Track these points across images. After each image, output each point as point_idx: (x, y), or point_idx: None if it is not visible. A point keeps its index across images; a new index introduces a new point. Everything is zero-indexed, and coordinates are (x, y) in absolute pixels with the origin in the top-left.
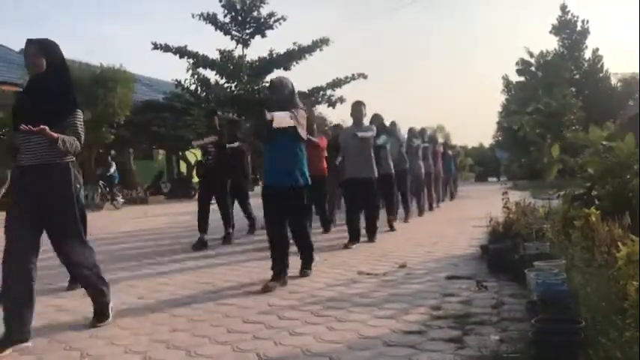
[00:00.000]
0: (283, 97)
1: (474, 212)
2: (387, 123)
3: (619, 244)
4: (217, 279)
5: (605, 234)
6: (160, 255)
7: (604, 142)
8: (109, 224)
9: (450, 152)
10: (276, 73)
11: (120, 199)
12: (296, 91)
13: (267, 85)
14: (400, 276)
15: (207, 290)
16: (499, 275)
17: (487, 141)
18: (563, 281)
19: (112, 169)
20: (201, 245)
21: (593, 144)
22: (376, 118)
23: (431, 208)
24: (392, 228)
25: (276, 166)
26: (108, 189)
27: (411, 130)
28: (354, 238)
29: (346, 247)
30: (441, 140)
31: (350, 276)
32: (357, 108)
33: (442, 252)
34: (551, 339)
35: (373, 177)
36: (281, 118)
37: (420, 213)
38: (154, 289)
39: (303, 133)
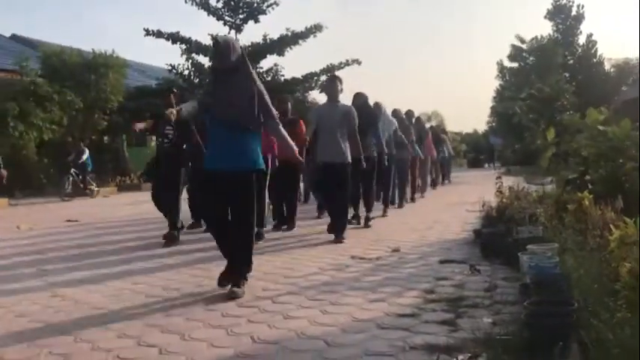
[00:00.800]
0: (230, 64)
1: (468, 197)
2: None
3: (611, 227)
4: (212, 265)
5: (597, 217)
6: (148, 243)
7: (599, 127)
8: (99, 211)
9: (443, 137)
10: (270, 59)
11: (94, 188)
12: (246, 57)
13: (212, 46)
14: (394, 260)
15: (201, 275)
16: (492, 259)
17: (482, 127)
18: (555, 264)
19: (85, 155)
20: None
21: (589, 128)
22: (358, 98)
23: (412, 198)
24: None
25: (219, 149)
26: (81, 177)
27: (395, 113)
28: (353, 216)
29: (330, 233)
30: (431, 124)
31: (344, 260)
32: (331, 84)
33: (435, 236)
34: (544, 321)
35: (347, 162)
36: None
37: (400, 205)
38: (148, 275)
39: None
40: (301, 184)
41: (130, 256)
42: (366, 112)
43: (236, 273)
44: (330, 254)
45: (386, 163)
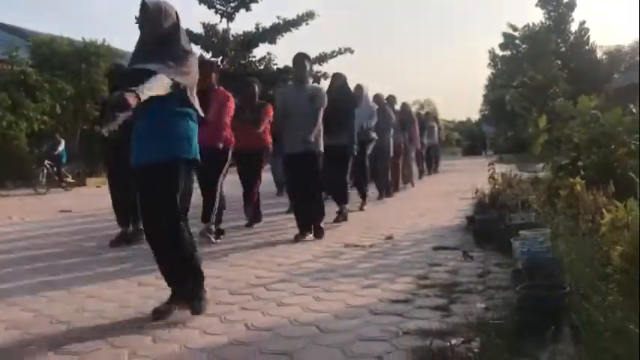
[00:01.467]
0: (161, 30)
1: (461, 185)
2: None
3: (603, 211)
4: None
5: (589, 202)
6: None
7: (593, 111)
8: (91, 202)
9: (432, 124)
10: (262, 48)
11: (69, 180)
12: (183, 28)
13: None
14: (387, 247)
15: None
16: (485, 245)
17: (475, 115)
18: (547, 249)
19: (61, 147)
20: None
21: (581, 114)
22: (336, 79)
23: (396, 188)
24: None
25: (141, 140)
26: (55, 169)
27: (376, 98)
28: (304, 227)
29: (297, 240)
30: (419, 111)
31: (337, 248)
32: (299, 62)
33: (429, 224)
34: (536, 305)
35: (317, 150)
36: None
37: (380, 196)
38: (138, 262)
39: (191, 97)
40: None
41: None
42: (345, 94)
43: (185, 296)
44: (323, 242)
45: (368, 151)
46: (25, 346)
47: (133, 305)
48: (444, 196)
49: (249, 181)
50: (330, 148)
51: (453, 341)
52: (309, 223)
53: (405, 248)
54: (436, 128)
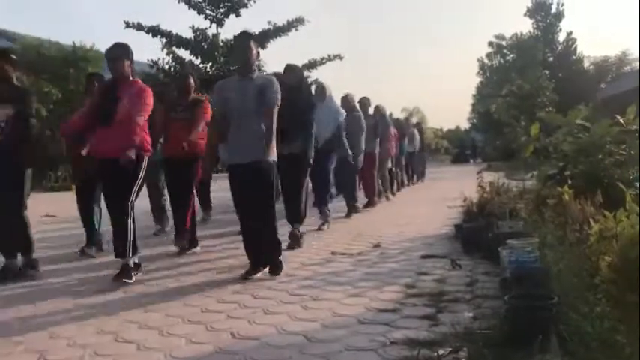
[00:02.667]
0: None
1: (449, 193)
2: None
3: (591, 221)
4: (191, 260)
5: (577, 212)
6: None
7: (579, 122)
8: None
9: (412, 130)
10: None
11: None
12: None
13: None
14: (375, 255)
15: (181, 272)
16: (473, 254)
17: (464, 123)
18: (535, 258)
19: None
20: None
21: (569, 124)
22: (290, 72)
23: (371, 203)
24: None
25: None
26: None
27: (345, 100)
28: (256, 263)
29: (245, 278)
30: (398, 117)
31: (324, 256)
32: (242, 45)
33: (416, 232)
34: (524, 315)
35: (268, 161)
36: None
37: (349, 213)
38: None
39: None
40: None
41: (108, 250)
42: (301, 93)
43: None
44: (311, 250)
45: (332, 164)
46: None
47: (118, 312)
48: (432, 204)
49: (179, 198)
50: (283, 158)
51: (441, 351)
52: (262, 257)
53: (393, 256)
54: (417, 135)
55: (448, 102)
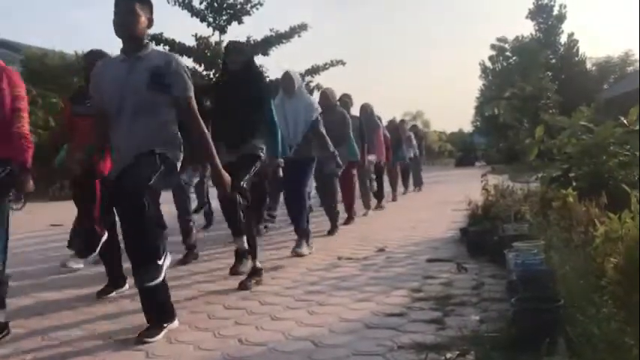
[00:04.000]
0: None
1: (453, 196)
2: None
3: (596, 222)
4: (198, 267)
5: (582, 214)
6: None
7: (583, 123)
8: None
9: (409, 134)
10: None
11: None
12: None
13: None
14: (381, 260)
15: (187, 279)
16: (479, 257)
17: (467, 126)
18: (541, 261)
19: None
20: None
21: (573, 125)
22: (234, 52)
23: (348, 218)
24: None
25: None
26: None
27: (323, 95)
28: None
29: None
30: (394, 119)
31: (330, 261)
32: (123, 10)
33: (422, 235)
34: (531, 318)
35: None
36: None
37: (332, 230)
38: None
39: None
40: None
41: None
42: (250, 81)
43: None
44: (317, 255)
45: (307, 179)
46: None
47: (125, 320)
48: (437, 208)
49: (84, 209)
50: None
51: (448, 355)
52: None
53: (398, 260)
54: (414, 139)
55: (451, 105)
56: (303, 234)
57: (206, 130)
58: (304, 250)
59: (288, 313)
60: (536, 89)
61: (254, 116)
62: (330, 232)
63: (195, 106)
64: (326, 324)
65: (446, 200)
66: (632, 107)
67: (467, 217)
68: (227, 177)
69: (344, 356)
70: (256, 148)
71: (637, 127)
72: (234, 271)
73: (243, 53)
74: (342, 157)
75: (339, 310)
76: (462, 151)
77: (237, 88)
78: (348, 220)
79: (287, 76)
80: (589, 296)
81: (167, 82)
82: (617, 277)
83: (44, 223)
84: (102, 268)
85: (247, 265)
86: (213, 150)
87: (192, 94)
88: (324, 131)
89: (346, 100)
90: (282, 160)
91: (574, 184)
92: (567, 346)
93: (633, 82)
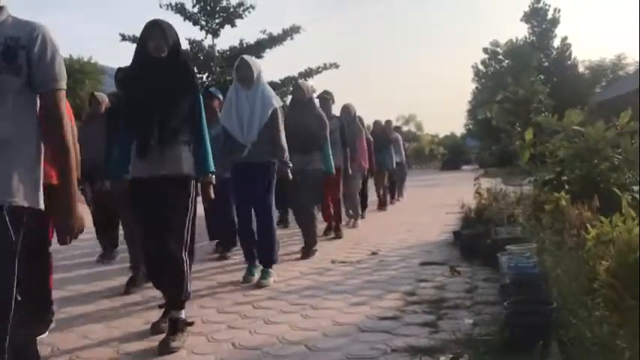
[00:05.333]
0: None
1: (446, 199)
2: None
3: (588, 226)
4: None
5: (574, 217)
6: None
7: (575, 127)
8: None
9: (395, 136)
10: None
11: None
12: None
13: None
14: (374, 263)
15: None
16: (472, 260)
17: (459, 130)
18: (534, 264)
19: None
20: None
21: (565, 128)
22: (153, 29)
23: (330, 229)
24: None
25: None
26: None
27: (299, 88)
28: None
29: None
30: (379, 121)
31: (324, 265)
32: None
33: (415, 239)
34: (524, 321)
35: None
36: None
37: (306, 252)
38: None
39: None
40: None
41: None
42: (178, 70)
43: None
44: (310, 259)
45: (268, 200)
46: None
47: (118, 325)
48: (430, 211)
49: None
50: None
51: (442, 358)
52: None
53: (392, 264)
54: (402, 142)
55: (444, 108)
56: (271, 262)
57: (71, 145)
58: (272, 280)
59: (282, 317)
60: (528, 92)
61: (188, 116)
62: (304, 254)
63: (64, 106)
64: (320, 328)
65: (439, 203)
66: (623, 110)
67: (460, 220)
68: (79, 220)
69: (339, 357)
70: (180, 164)
71: (628, 130)
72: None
73: (163, 32)
74: (317, 165)
75: (333, 314)
76: (447, 155)
77: (157, 80)
78: (336, 232)
79: (244, 62)
80: (581, 299)
81: (20, 63)
82: (609, 279)
83: None
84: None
85: (181, 339)
86: (73, 174)
87: (63, 85)
88: (282, 130)
89: (326, 98)
90: (212, 177)
91: (566, 187)
92: (560, 348)
93: (625, 86)
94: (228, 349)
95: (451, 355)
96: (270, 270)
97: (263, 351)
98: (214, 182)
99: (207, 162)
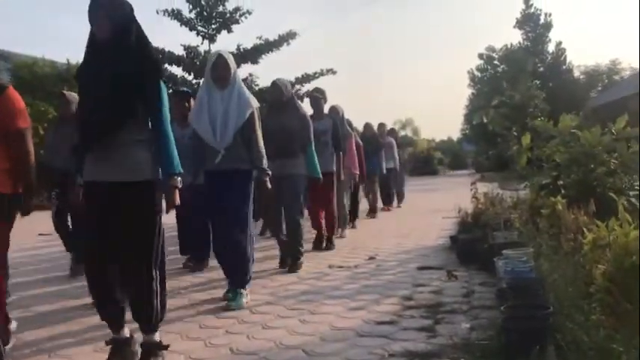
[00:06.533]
0: None
1: (443, 204)
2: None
3: (584, 230)
4: (188, 277)
5: (571, 221)
6: None
7: (572, 130)
8: None
9: (389, 140)
10: (245, 68)
11: None
12: None
13: None
14: (372, 268)
15: (179, 288)
16: (469, 265)
17: (456, 134)
18: (530, 268)
19: None
20: None
21: (561, 133)
22: (98, 10)
23: (323, 239)
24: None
25: None
26: None
27: (276, 86)
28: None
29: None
30: (369, 124)
31: (322, 269)
32: None
33: (412, 243)
34: (521, 325)
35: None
36: None
37: (292, 266)
38: None
39: None
40: None
41: None
42: (132, 57)
43: None
44: (308, 263)
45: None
46: None
47: None
48: (427, 216)
49: None
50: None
51: None
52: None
53: (389, 269)
54: (395, 145)
55: (441, 113)
56: (242, 283)
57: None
58: (244, 301)
59: (279, 321)
60: (524, 97)
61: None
62: (291, 268)
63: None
64: (317, 332)
65: (436, 208)
66: (619, 114)
67: (457, 224)
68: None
69: None
70: (139, 168)
71: (624, 135)
72: None
73: (114, 11)
74: (299, 170)
75: (331, 319)
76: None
77: (103, 67)
78: (328, 243)
79: (222, 61)
80: (578, 303)
81: None
82: (606, 284)
83: (33, 232)
84: None
85: None
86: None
87: None
88: (260, 134)
89: (317, 96)
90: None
91: (563, 191)
92: (557, 353)
93: (620, 91)
94: (225, 353)
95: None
96: (242, 291)
97: (261, 356)
98: (179, 186)
99: (170, 162)
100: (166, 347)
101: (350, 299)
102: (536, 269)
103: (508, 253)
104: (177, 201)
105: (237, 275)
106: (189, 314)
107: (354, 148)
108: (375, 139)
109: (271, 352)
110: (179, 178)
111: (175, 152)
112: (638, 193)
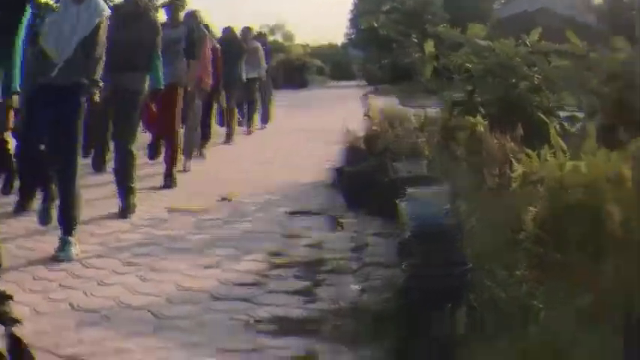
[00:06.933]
0: None
1: (327, 123)
2: None
3: (512, 160)
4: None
5: (496, 149)
6: None
7: (482, 42)
8: None
9: (257, 45)
10: None
11: None
12: None
13: None
14: (225, 212)
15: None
16: (359, 208)
17: (339, 39)
18: (445, 212)
19: None
20: None
21: (470, 42)
22: None
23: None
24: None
25: None
26: None
27: (128, 7)
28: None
29: None
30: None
31: (159, 213)
32: None
33: (281, 179)
34: (426, 284)
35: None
36: None
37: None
38: None
39: None
40: None
41: None
42: None
43: None
44: (141, 205)
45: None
46: None
47: None
48: (305, 139)
49: None
50: None
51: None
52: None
53: (249, 214)
54: (261, 51)
55: (320, 16)
56: (70, 228)
57: None
58: (73, 251)
59: (115, 277)
60: (418, 4)
61: None
62: (122, 213)
63: None
64: (163, 293)
65: (314, 129)
66: (522, 28)
67: (344, 152)
68: None
69: (192, 328)
70: None
71: (541, 49)
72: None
73: None
74: (137, 86)
75: (176, 278)
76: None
77: None
78: (167, 179)
79: None
80: (501, 256)
81: None
82: (536, 231)
83: None
84: None
85: None
86: None
87: None
88: (100, 44)
89: (171, 2)
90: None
91: (481, 110)
92: (468, 314)
93: (522, 4)
94: (66, 309)
95: (331, 327)
96: (70, 239)
97: (102, 314)
98: (15, 106)
99: (11, 80)
100: (11, 297)
101: (198, 254)
102: (453, 213)
103: (414, 192)
104: (11, 125)
105: (65, 219)
106: (21, 264)
107: (209, 52)
108: (236, 43)
109: (112, 310)
110: (15, 97)
111: (17, 68)
112: (569, 114)
